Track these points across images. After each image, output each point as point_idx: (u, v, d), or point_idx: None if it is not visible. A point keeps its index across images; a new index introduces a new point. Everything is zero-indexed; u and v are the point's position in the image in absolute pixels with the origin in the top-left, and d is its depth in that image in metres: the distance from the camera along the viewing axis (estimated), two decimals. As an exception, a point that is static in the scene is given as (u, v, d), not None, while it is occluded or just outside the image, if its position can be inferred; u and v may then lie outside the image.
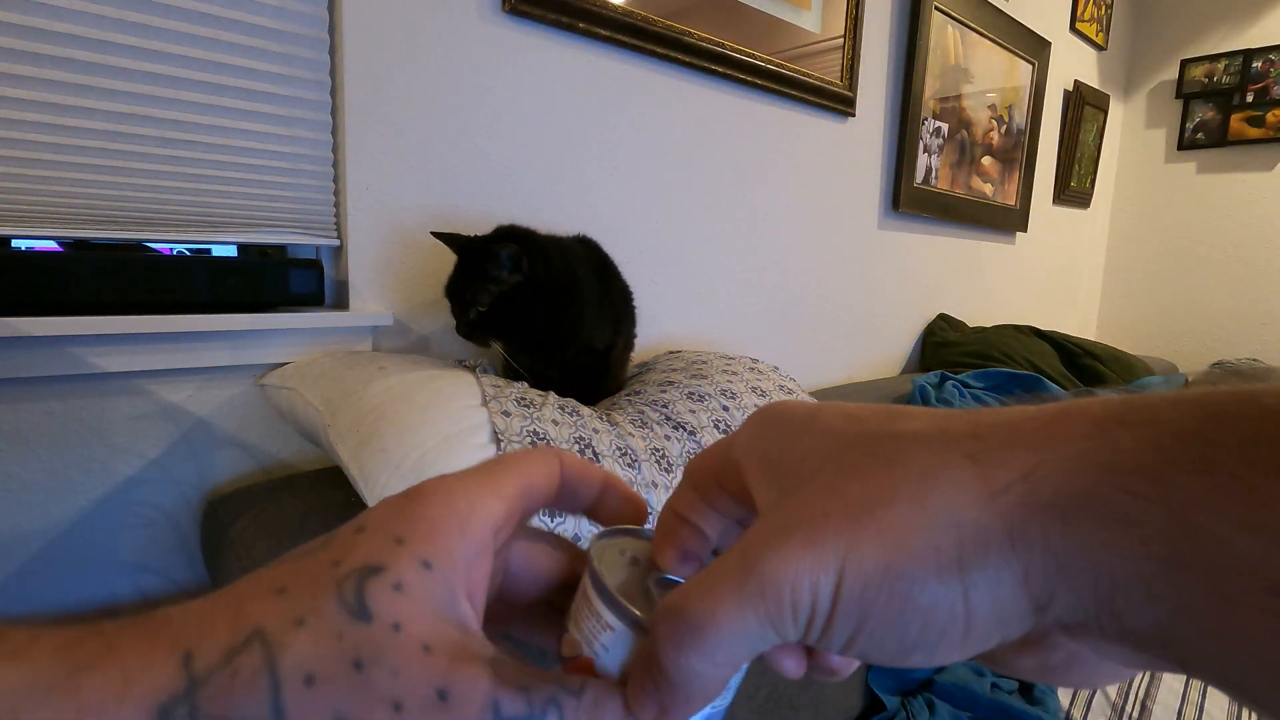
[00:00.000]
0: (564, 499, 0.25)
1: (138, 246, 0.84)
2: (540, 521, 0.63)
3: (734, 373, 1.02)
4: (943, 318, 2.00)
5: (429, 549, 0.19)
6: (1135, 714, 1.04)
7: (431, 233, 0.86)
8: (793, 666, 0.20)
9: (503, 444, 0.66)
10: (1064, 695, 1.05)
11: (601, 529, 0.24)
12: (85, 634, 0.16)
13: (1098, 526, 0.15)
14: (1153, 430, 0.15)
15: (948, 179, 1.90)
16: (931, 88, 1.77)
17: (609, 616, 0.20)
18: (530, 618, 0.25)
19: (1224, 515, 0.14)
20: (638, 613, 0.20)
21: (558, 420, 0.73)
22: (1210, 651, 0.14)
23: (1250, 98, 2.46)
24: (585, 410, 0.79)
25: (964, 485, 0.17)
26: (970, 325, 2.02)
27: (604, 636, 0.20)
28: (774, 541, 0.18)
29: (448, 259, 1.02)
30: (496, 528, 0.21)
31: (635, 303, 1.04)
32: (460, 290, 0.83)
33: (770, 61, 1.36)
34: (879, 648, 0.18)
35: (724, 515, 0.23)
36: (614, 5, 1.11)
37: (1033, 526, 0.16)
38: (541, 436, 0.69)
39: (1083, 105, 2.41)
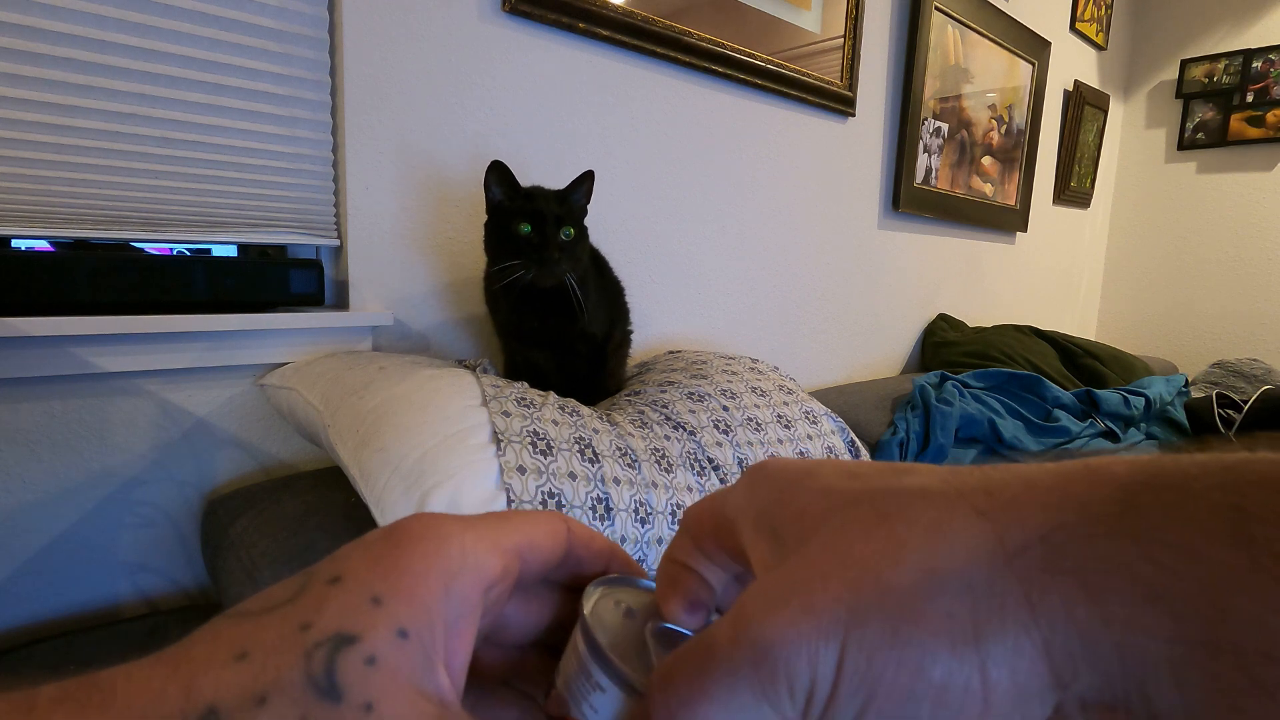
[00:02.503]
0: (567, 567, 0.23)
1: (127, 246, 0.84)
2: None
3: (734, 373, 1.02)
4: (943, 318, 2.00)
5: (407, 614, 0.17)
6: None
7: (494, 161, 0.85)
8: None
9: (502, 444, 0.66)
10: None
11: (597, 578, 0.22)
12: (12, 708, 0.14)
13: (1126, 601, 0.14)
14: (1182, 497, 0.14)
15: (948, 179, 1.90)
16: (931, 88, 1.77)
17: (600, 677, 0.19)
18: (524, 662, 0.24)
19: (1263, 598, 0.13)
20: (631, 674, 0.19)
21: (558, 420, 0.73)
22: None
23: (1250, 98, 2.46)
24: (585, 410, 0.79)
25: (976, 543, 0.16)
26: (970, 325, 2.02)
27: (594, 697, 0.19)
28: (769, 608, 0.17)
29: (448, 259, 1.02)
30: (489, 585, 0.19)
31: (629, 300, 1.04)
32: (554, 210, 0.83)
33: (770, 61, 1.36)
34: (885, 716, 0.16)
35: (723, 570, 0.22)
36: (614, 5, 1.11)
37: (1054, 594, 0.15)
38: (541, 436, 0.69)
39: (1083, 105, 2.41)
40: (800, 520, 0.18)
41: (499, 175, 0.83)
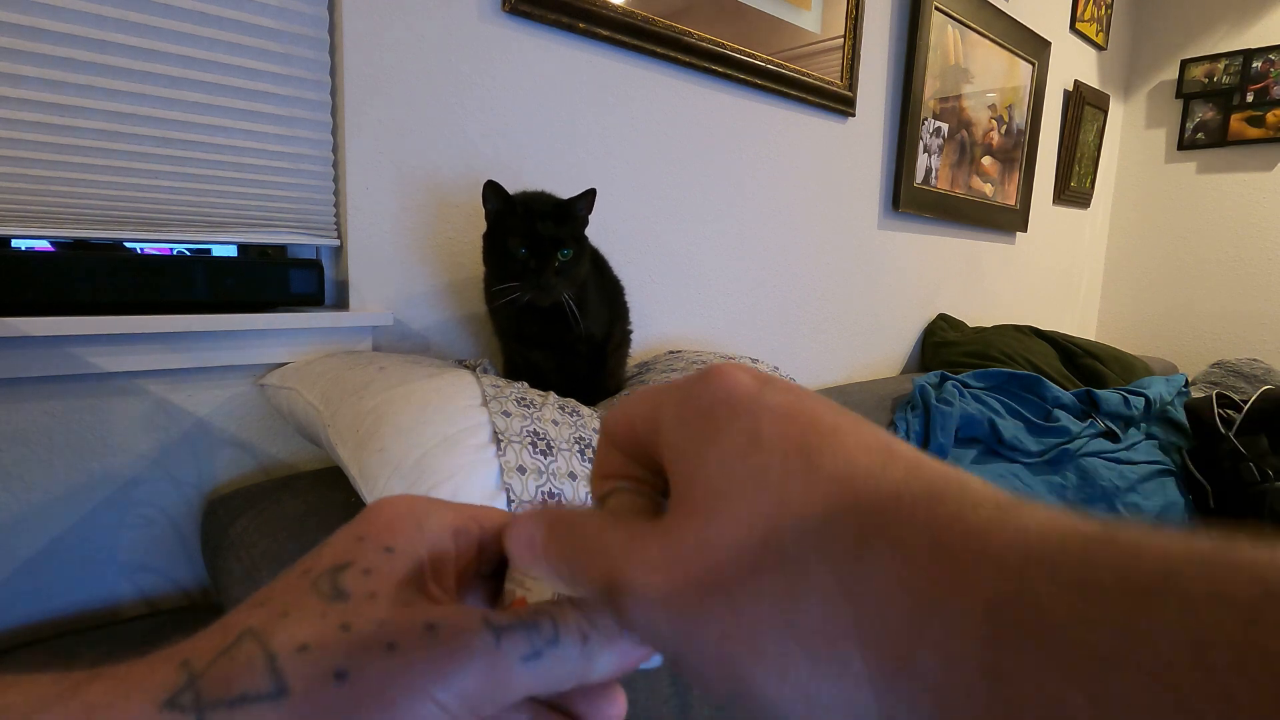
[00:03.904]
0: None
1: (126, 246, 0.84)
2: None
3: (734, 373, 1.02)
4: (943, 318, 2.00)
5: (390, 538, 0.20)
6: None
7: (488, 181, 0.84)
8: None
9: (503, 444, 0.66)
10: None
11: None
12: (72, 673, 0.16)
13: None
14: (1047, 634, 0.13)
15: (948, 179, 1.90)
16: (931, 88, 1.77)
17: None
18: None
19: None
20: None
21: (558, 420, 0.73)
22: None
23: (1250, 98, 2.46)
24: (585, 410, 0.79)
25: (832, 611, 0.15)
26: (970, 325, 2.02)
27: (529, 573, 0.22)
28: (637, 566, 0.17)
29: (448, 259, 1.02)
30: (455, 530, 0.22)
31: (628, 300, 1.04)
32: (551, 232, 0.81)
33: (770, 61, 1.36)
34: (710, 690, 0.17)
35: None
36: (614, 5, 1.11)
37: (899, 688, 0.14)
38: (541, 436, 0.69)
39: (1083, 105, 2.41)
40: (715, 477, 0.18)
41: (493, 192, 0.83)
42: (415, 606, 0.18)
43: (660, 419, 0.20)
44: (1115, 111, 2.72)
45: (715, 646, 0.16)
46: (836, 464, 0.16)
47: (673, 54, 1.21)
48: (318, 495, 0.78)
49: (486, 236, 0.86)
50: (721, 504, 0.17)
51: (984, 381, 1.51)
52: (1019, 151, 2.17)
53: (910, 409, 1.36)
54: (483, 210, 0.86)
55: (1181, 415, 1.60)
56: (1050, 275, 2.55)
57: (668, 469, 0.19)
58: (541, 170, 1.09)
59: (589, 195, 0.86)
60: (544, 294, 0.82)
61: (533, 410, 0.72)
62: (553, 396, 0.78)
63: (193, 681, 0.16)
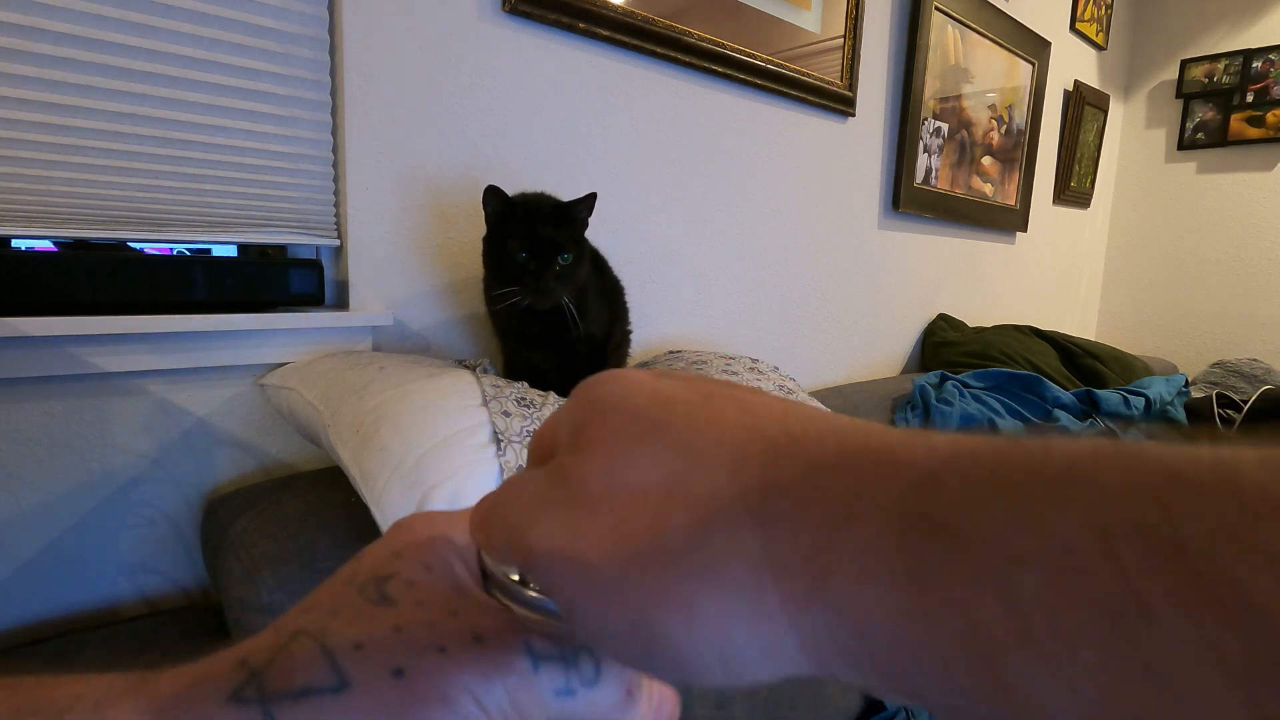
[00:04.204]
0: None
1: (127, 246, 0.84)
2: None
3: (734, 373, 1.02)
4: (943, 318, 2.00)
5: (429, 556, 0.20)
6: None
7: (489, 186, 0.83)
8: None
9: (503, 444, 0.66)
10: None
11: None
12: (132, 672, 0.17)
13: (890, 645, 0.13)
14: (960, 541, 0.12)
15: (948, 179, 1.90)
16: (931, 88, 1.77)
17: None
18: None
19: (1034, 668, 0.11)
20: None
21: (558, 420, 0.73)
22: None
23: (1250, 98, 2.46)
24: (585, 410, 0.79)
25: (738, 543, 0.15)
26: (970, 325, 2.02)
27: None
28: (519, 516, 0.18)
29: (448, 259, 1.02)
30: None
31: (628, 300, 1.04)
32: (551, 235, 0.81)
33: (770, 61, 1.36)
34: (624, 661, 0.17)
35: None
36: (614, 5, 1.11)
37: (813, 616, 0.14)
38: (541, 436, 0.69)
39: (1083, 105, 2.41)
40: (588, 429, 0.18)
41: (494, 196, 0.83)
42: (462, 617, 0.19)
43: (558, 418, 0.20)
44: (1115, 111, 2.72)
45: (619, 604, 0.15)
46: (741, 415, 0.16)
47: (673, 54, 1.21)
48: (318, 495, 0.78)
49: (486, 239, 0.86)
50: (619, 456, 0.17)
51: (984, 381, 1.51)
52: (1019, 151, 2.17)
53: (910, 409, 1.36)
54: (482, 210, 0.86)
55: (1181, 415, 1.60)
56: (1050, 275, 2.55)
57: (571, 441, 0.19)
58: (542, 170, 1.09)
59: (590, 199, 0.86)
60: (544, 297, 0.82)
61: (533, 410, 0.72)
62: (553, 397, 0.78)
63: (255, 677, 0.17)
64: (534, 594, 0.20)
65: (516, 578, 0.21)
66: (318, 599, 0.19)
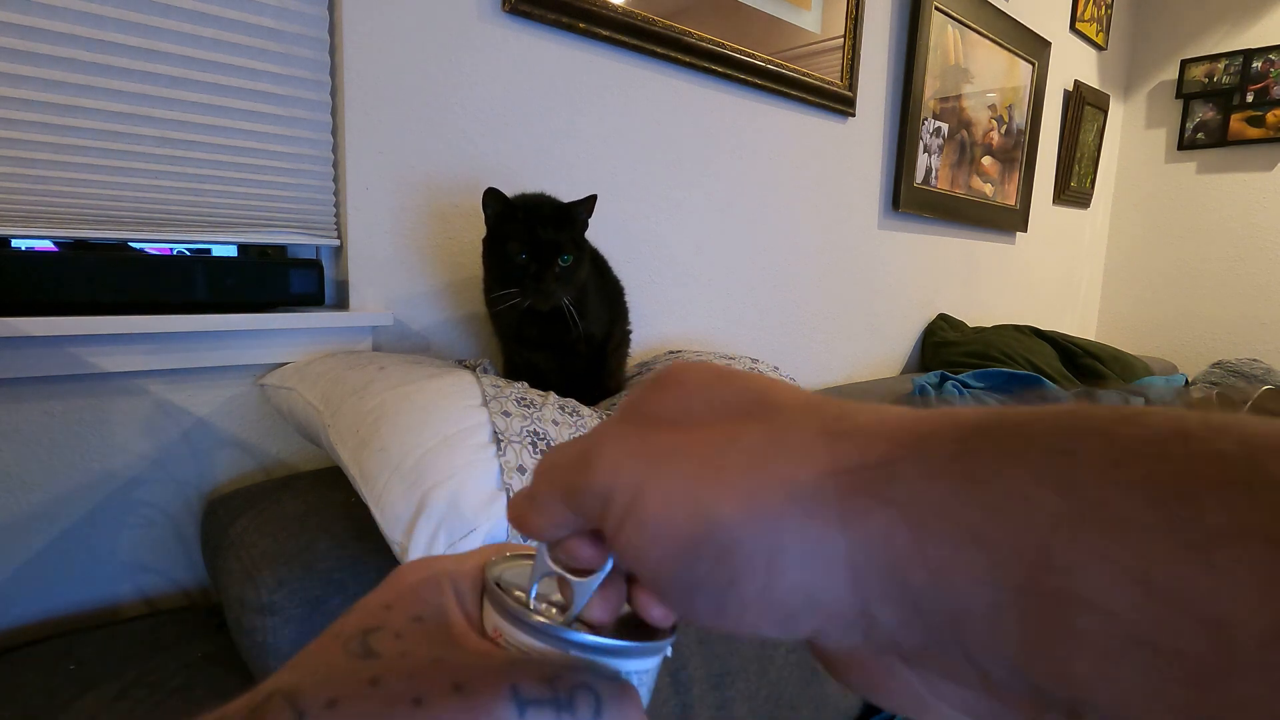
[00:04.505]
0: None
1: (127, 246, 0.84)
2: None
3: (734, 373, 1.02)
4: (943, 318, 2.00)
5: (418, 607, 0.20)
6: None
7: (488, 189, 0.84)
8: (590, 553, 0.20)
9: (503, 444, 0.66)
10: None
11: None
12: None
13: (946, 543, 0.14)
14: (1019, 443, 0.14)
15: (948, 179, 1.90)
16: (931, 88, 1.77)
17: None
18: None
19: (1083, 545, 0.12)
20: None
21: (558, 420, 0.73)
22: (1064, 698, 0.13)
23: (1250, 98, 2.46)
24: (585, 410, 0.79)
25: (809, 453, 0.16)
26: (970, 325, 2.02)
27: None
28: (612, 437, 0.19)
29: (448, 259, 1.02)
30: (478, 578, 0.22)
31: (628, 300, 1.04)
32: (551, 237, 0.81)
33: (770, 61, 1.36)
34: (666, 570, 0.17)
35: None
36: (614, 5, 1.11)
37: (873, 519, 0.15)
38: (541, 436, 0.69)
39: (1083, 105, 2.41)
40: (664, 409, 0.19)
41: (494, 198, 0.83)
42: (445, 665, 0.19)
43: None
44: (1115, 111, 2.72)
45: (682, 491, 0.17)
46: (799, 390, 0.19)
47: (673, 54, 1.21)
48: (318, 495, 0.78)
49: (486, 241, 0.86)
50: (695, 389, 0.19)
51: (984, 382, 1.51)
52: (1019, 151, 2.17)
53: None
54: (482, 211, 0.86)
55: (1108, 393, 1.60)
56: (1050, 275, 2.55)
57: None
58: (542, 170, 1.09)
59: (590, 200, 0.86)
60: (544, 299, 0.82)
61: (533, 410, 0.72)
62: (553, 397, 0.78)
63: None
64: (540, 619, 0.20)
65: (526, 600, 0.21)
66: (303, 657, 0.19)
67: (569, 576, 0.20)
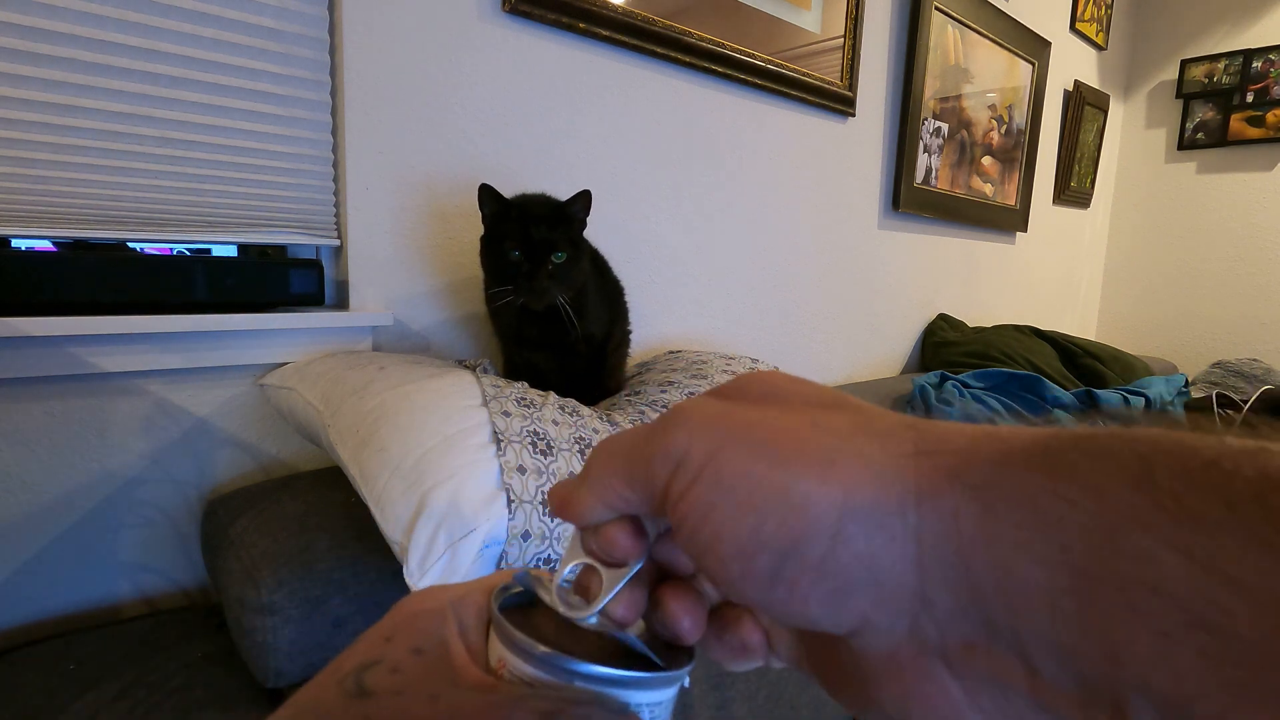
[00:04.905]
0: None
1: (126, 246, 0.84)
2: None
3: (734, 373, 1.02)
4: (943, 318, 2.00)
5: (418, 639, 0.20)
6: None
7: (482, 185, 0.84)
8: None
9: (502, 444, 0.66)
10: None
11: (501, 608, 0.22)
12: None
13: (1016, 523, 0.14)
14: (1098, 449, 0.14)
15: (948, 179, 1.90)
16: (931, 88, 1.77)
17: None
18: None
19: (1159, 534, 0.13)
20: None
21: (558, 420, 0.73)
22: (1110, 687, 0.13)
23: (1250, 98, 2.46)
24: (585, 410, 0.79)
25: (892, 435, 0.17)
26: (970, 325, 2.02)
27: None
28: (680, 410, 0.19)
29: (448, 259, 1.02)
30: (480, 610, 0.22)
31: (628, 300, 1.04)
32: (544, 235, 0.81)
33: (770, 61, 1.36)
34: (732, 528, 0.17)
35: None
36: (614, 5, 1.11)
37: (945, 498, 0.15)
38: (541, 436, 0.69)
39: (1083, 105, 2.41)
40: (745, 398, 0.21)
41: (488, 195, 0.83)
42: (440, 704, 0.18)
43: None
44: (1115, 111, 2.72)
45: (762, 446, 0.17)
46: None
47: (673, 54, 1.20)
48: (318, 495, 0.78)
49: (483, 240, 0.86)
50: (783, 380, 0.20)
51: (984, 381, 1.51)
52: (1019, 151, 2.17)
53: (910, 409, 1.36)
54: (479, 209, 0.86)
55: (1181, 415, 1.60)
56: (1050, 275, 2.55)
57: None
58: (542, 170, 1.09)
59: (583, 197, 0.86)
60: (537, 297, 0.83)
61: (533, 410, 0.72)
62: (553, 396, 0.78)
63: None
64: (545, 650, 0.19)
65: (549, 615, 0.20)
66: (300, 695, 0.19)
67: (601, 567, 0.20)
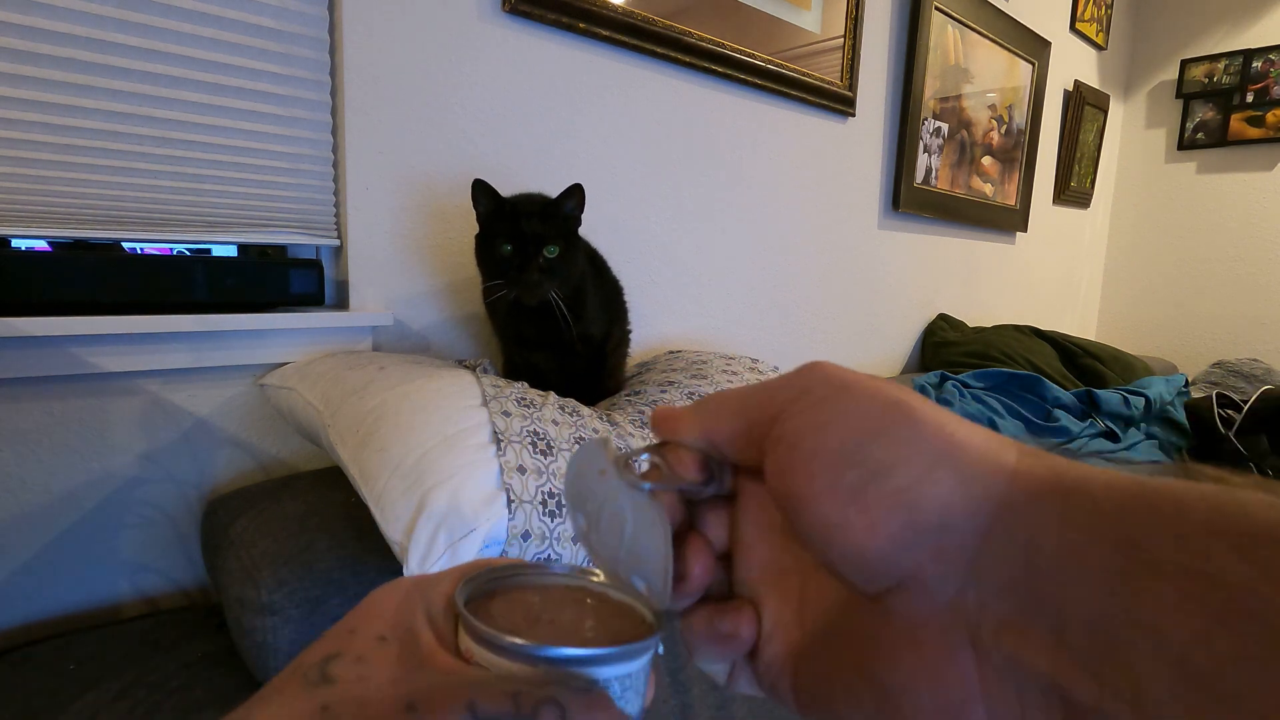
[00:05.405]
0: None
1: (119, 246, 0.84)
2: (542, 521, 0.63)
3: (734, 373, 1.02)
4: (943, 318, 2.00)
5: (383, 627, 0.20)
6: None
7: (476, 180, 0.84)
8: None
9: (502, 444, 0.66)
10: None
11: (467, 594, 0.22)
12: None
13: (1085, 514, 0.15)
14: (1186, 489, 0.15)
15: (948, 179, 1.90)
16: (931, 88, 1.77)
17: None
18: None
19: (1209, 530, 0.14)
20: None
21: (558, 420, 0.73)
22: (1144, 655, 0.14)
23: (1250, 98, 2.46)
24: (585, 410, 0.79)
25: (995, 437, 0.18)
26: (970, 325, 2.02)
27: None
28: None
29: (448, 259, 1.02)
30: (448, 596, 0.22)
31: (628, 300, 1.04)
32: (535, 229, 0.81)
33: (770, 61, 1.36)
34: (836, 441, 0.18)
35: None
36: (614, 5, 1.11)
37: (1032, 476, 0.17)
38: (541, 436, 0.69)
39: (1083, 105, 2.41)
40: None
41: (482, 191, 0.83)
42: (402, 686, 0.18)
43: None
44: (1115, 111, 2.72)
45: (886, 384, 0.19)
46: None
47: (673, 54, 1.20)
48: (318, 495, 0.78)
49: (478, 237, 0.86)
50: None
51: (984, 381, 1.51)
52: (1019, 151, 2.17)
53: (910, 409, 1.36)
54: (474, 206, 0.86)
55: (1181, 415, 1.60)
56: (1050, 275, 2.55)
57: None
58: (541, 170, 1.09)
59: (575, 191, 0.85)
60: (528, 291, 0.82)
61: (533, 410, 0.72)
62: (553, 396, 0.78)
63: None
64: (510, 639, 0.19)
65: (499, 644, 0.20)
66: (264, 691, 0.19)
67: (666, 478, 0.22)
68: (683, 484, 0.22)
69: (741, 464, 0.22)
